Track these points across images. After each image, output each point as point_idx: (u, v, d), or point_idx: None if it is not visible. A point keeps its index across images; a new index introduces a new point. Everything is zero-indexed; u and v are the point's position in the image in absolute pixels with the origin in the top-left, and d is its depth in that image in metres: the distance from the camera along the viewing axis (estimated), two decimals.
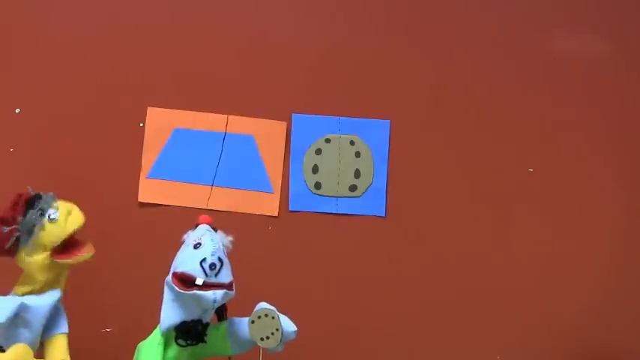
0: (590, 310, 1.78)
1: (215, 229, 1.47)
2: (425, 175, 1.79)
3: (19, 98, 1.76)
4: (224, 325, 1.47)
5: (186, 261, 1.40)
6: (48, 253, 1.42)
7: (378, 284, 1.77)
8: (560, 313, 1.78)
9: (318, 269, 1.77)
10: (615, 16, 1.81)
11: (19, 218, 1.42)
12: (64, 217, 1.43)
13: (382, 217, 1.78)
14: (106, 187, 1.75)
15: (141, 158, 1.76)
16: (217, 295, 1.37)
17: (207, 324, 1.43)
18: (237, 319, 1.46)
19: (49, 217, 1.42)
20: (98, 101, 1.76)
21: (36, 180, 1.73)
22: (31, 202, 1.43)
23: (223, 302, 1.41)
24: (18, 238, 1.41)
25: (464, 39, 1.80)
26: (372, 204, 1.78)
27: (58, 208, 1.43)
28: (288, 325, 1.40)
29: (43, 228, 1.41)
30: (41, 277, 1.43)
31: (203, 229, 1.45)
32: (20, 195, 1.44)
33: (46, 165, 1.75)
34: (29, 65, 1.76)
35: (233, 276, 1.41)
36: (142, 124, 1.76)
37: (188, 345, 1.43)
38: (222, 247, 1.42)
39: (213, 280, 1.38)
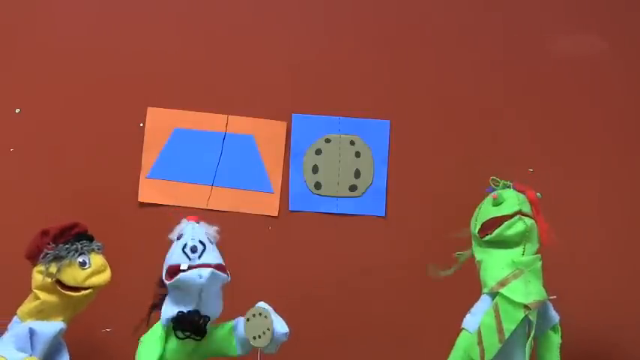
0: (591, 310, 1.77)
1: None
2: (425, 175, 1.78)
3: (19, 98, 1.76)
4: (230, 324, 1.47)
5: (172, 253, 1.43)
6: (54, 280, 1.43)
7: (377, 284, 1.77)
8: (560, 313, 1.78)
9: (318, 269, 1.77)
10: (615, 16, 1.81)
11: (60, 244, 1.44)
12: (90, 272, 1.44)
13: (382, 217, 1.78)
14: (106, 187, 1.75)
15: (141, 158, 1.76)
16: (202, 272, 1.38)
17: (207, 317, 1.43)
18: (242, 319, 1.46)
19: (81, 261, 1.44)
20: (98, 101, 1.76)
21: (36, 180, 1.74)
22: (79, 238, 1.46)
23: (215, 284, 1.41)
24: (45, 255, 1.43)
25: (464, 39, 1.80)
26: (372, 204, 1.78)
27: (93, 261, 1.45)
28: (280, 326, 1.40)
29: (69, 265, 1.43)
30: (41, 296, 1.44)
31: (184, 222, 1.47)
32: (77, 224, 1.47)
33: (46, 165, 1.75)
34: (29, 65, 1.76)
35: (224, 261, 1.42)
36: (142, 124, 1.76)
37: (187, 337, 1.43)
38: (205, 233, 1.44)
39: (197, 262, 1.40)
